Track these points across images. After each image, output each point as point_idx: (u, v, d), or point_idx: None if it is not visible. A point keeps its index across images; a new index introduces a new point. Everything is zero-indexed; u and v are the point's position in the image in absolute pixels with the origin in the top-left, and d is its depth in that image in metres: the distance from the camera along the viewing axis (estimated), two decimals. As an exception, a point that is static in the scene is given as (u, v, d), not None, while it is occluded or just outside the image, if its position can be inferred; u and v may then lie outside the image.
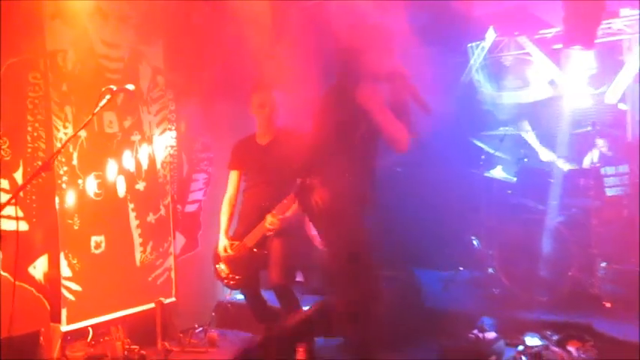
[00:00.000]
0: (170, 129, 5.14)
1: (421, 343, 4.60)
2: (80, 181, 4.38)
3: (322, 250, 5.64)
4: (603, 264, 4.88)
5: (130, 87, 3.49)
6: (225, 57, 5.09)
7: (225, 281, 4.45)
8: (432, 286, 5.19)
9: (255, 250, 4.30)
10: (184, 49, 5.00)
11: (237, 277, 4.37)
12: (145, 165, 4.89)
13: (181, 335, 4.87)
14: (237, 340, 4.88)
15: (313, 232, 5.68)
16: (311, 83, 5.19)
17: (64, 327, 4.18)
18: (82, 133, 4.34)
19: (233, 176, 4.61)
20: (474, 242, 5.84)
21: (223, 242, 4.45)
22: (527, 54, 6.07)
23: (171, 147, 5.16)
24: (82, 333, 4.37)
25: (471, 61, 6.32)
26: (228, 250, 4.39)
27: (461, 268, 5.85)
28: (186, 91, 5.16)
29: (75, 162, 4.34)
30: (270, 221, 4.17)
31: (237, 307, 5.37)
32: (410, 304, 4.97)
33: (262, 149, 4.44)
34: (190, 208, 5.43)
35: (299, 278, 6.06)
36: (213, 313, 5.35)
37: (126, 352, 4.32)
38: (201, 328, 5.04)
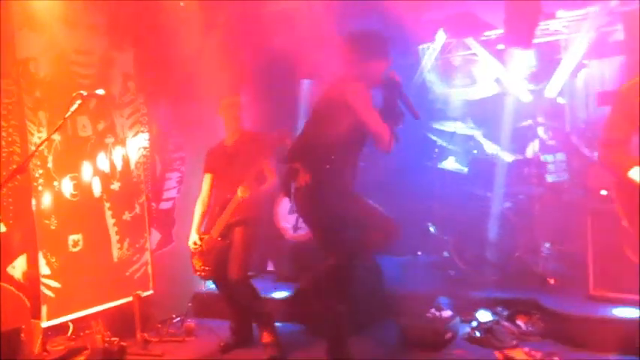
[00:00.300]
0: (142, 131, 5.02)
1: (382, 323, 4.62)
2: (56, 183, 4.24)
3: (291, 241, 5.64)
4: (547, 245, 4.95)
5: (100, 92, 3.38)
6: (194, 60, 4.98)
7: (198, 273, 4.37)
8: (392, 271, 5.18)
9: (219, 239, 4.22)
10: (154, 53, 4.88)
11: (207, 268, 4.29)
12: (119, 166, 4.77)
13: (159, 326, 4.79)
14: (214, 329, 4.79)
15: (283, 224, 5.67)
16: (274, 86, 5.16)
17: (45, 323, 4.05)
18: (57, 137, 4.20)
19: (206, 179, 4.52)
20: (431, 229, 5.86)
21: (192, 237, 4.36)
22: (474, 54, 6.10)
23: (144, 148, 5.04)
24: (62, 328, 4.25)
25: (423, 62, 6.32)
26: (198, 243, 4.30)
27: (419, 253, 5.88)
28: (157, 94, 5.04)
29: (50, 165, 4.20)
30: (241, 190, 4.05)
31: (213, 297, 5.26)
32: (371, 287, 4.97)
33: (228, 150, 4.36)
34: (165, 205, 5.32)
35: (270, 267, 6.02)
36: (190, 304, 5.25)
37: (106, 344, 4.20)
38: (178, 319, 4.97)
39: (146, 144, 5.05)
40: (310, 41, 4.88)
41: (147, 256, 5.00)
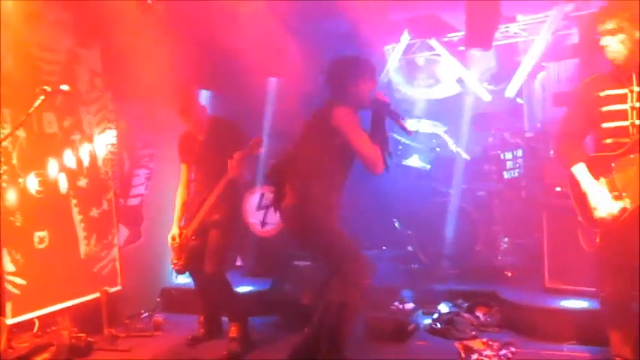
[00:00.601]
0: (110, 128, 4.93)
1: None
2: (21, 180, 4.13)
3: (259, 236, 5.63)
4: (505, 239, 5.06)
5: (65, 88, 3.31)
6: (162, 57, 4.91)
7: (172, 265, 4.34)
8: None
9: (193, 238, 4.18)
10: (121, 50, 4.78)
11: (179, 262, 4.25)
12: (86, 162, 4.67)
13: (127, 321, 4.72)
14: (182, 323, 4.75)
15: (251, 219, 5.65)
16: (241, 84, 5.13)
17: (10, 320, 3.94)
18: (21, 134, 4.09)
19: (182, 169, 4.44)
20: (396, 224, 5.93)
21: (174, 231, 4.30)
22: (437, 55, 6.18)
23: (112, 145, 4.95)
24: (28, 325, 4.13)
25: (388, 63, 6.37)
26: (176, 239, 4.26)
27: (384, 247, 5.94)
28: (125, 91, 4.95)
29: (15, 161, 4.08)
30: (230, 166, 4.01)
31: (182, 293, 5.25)
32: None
33: (200, 144, 4.28)
34: (133, 201, 5.24)
35: (238, 262, 6.00)
36: (159, 299, 5.19)
37: (72, 340, 4.12)
38: (147, 314, 4.90)
39: (114, 140, 4.96)
40: (276, 40, 4.87)
41: (115, 252, 4.91)
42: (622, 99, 2.95)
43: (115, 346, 4.32)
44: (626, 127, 2.94)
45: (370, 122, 3.30)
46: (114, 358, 4.15)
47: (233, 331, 4.15)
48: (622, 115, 2.95)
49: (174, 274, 5.18)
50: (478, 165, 5.36)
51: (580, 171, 3.07)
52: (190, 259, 4.21)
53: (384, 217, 5.91)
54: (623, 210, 2.91)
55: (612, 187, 3.01)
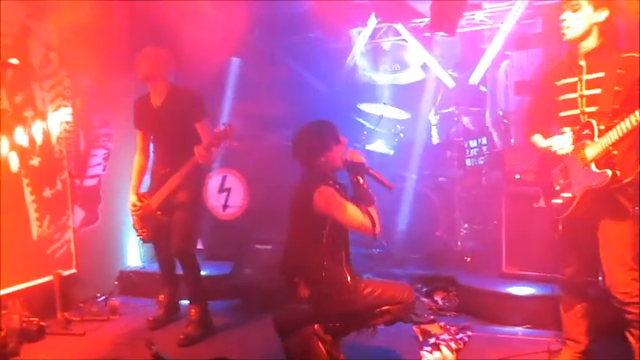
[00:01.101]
0: (65, 105, 4.74)
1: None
2: (-32, 158, 3.93)
3: (221, 219, 5.55)
4: (465, 225, 5.11)
5: (14, 61, 3.16)
6: (121, 32, 4.73)
7: (138, 235, 4.25)
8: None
9: (158, 213, 4.10)
10: (79, 25, 4.57)
11: (145, 232, 4.19)
12: (39, 141, 4.48)
13: (82, 305, 4.59)
14: (140, 307, 4.66)
15: (212, 202, 5.55)
16: (203, 62, 4.99)
17: (-44, 304, 3.78)
18: (-32, 109, 3.88)
19: (138, 136, 4.30)
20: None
21: (132, 198, 4.20)
22: (404, 40, 6.15)
23: (67, 123, 4.76)
24: (-24, 309, 3.97)
25: (354, 46, 6.31)
26: (137, 204, 4.15)
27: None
28: (83, 67, 4.75)
29: (-39, 138, 3.89)
30: (199, 153, 3.92)
31: (140, 276, 5.15)
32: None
33: (156, 111, 4.13)
34: (89, 182, 5.07)
35: (199, 246, 5.90)
36: (116, 282, 5.08)
37: (23, 325, 3.98)
38: (103, 297, 4.78)
39: (69, 118, 4.77)
40: (240, 20, 4.75)
41: (69, 234, 4.76)
42: (573, 88, 3.00)
43: (69, 330, 4.20)
44: (577, 116, 2.99)
45: (350, 183, 3.19)
46: (67, 342, 4.03)
47: (193, 314, 4.09)
48: (573, 103, 3.00)
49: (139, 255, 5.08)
50: (441, 151, 5.38)
51: (536, 137, 3.15)
52: (157, 232, 4.15)
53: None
54: (584, 191, 2.94)
55: (564, 175, 3.06)
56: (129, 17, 4.78)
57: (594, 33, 2.94)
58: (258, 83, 6.06)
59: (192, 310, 4.10)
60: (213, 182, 5.54)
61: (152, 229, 4.16)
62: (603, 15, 2.91)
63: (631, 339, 2.93)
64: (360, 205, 3.08)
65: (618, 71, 2.84)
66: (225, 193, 5.54)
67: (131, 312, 4.62)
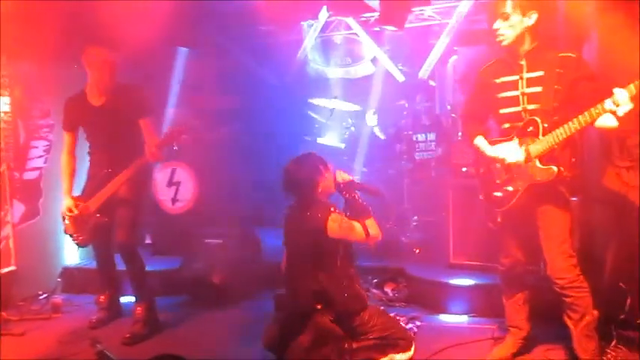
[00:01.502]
0: (3, 94, 4.52)
1: (259, 293, 4.62)
2: None
3: (169, 213, 5.44)
4: (414, 217, 5.19)
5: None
6: (64, 17, 4.52)
7: (73, 239, 4.06)
8: (271, 242, 5.16)
9: (97, 215, 3.95)
10: (18, 9, 4.35)
11: (82, 237, 4.01)
12: (-26, 132, 4.27)
13: (22, 303, 4.41)
14: (84, 305, 4.52)
15: (161, 196, 5.43)
16: (148, 51, 4.86)
17: None
18: None
19: (67, 136, 4.10)
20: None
21: (67, 202, 4.01)
22: (355, 34, 6.17)
23: (5, 113, 4.55)
24: None
25: (306, 39, 6.29)
26: (74, 210, 3.97)
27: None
28: (22, 54, 4.53)
29: None
30: (150, 152, 3.84)
31: (84, 273, 4.98)
32: (249, 259, 4.94)
33: (97, 110, 3.97)
34: (30, 175, 4.87)
35: (148, 240, 5.77)
36: (59, 279, 4.89)
37: (-43, 325, 3.79)
38: (45, 295, 4.61)
39: (7, 108, 4.56)
40: (189, 12, 4.65)
41: (8, 229, 4.56)
42: (514, 85, 3.08)
43: (8, 330, 4.03)
44: (518, 112, 3.07)
45: (345, 203, 3.36)
46: (6, 342, 3.86)
47: (139, 312, 3.98)
48: (515, 101, 3.08)
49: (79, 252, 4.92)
50: (390, 144, 5.44)
51: (481, 142, 3.22)
52: (95, 235, 4.00)
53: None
54: (528, 185, 3.04)
55: (507, 170, 3.14)
56: (70, 5, 4.58)
57: (527, 37, 3.02)
58: (207, 75, 5.96)
59: (138, 308, 3.99)
60: (162, 176, 5.42)
61: (89, 232, 3.98)
62: (533, 19, 2.99)
63: (568, 322, 3.07)
64: (360, 219, 3.24)
65: (557, 70, 2.94)
66: (174, 187, 5.44)
67: (74, 310, 4.48)
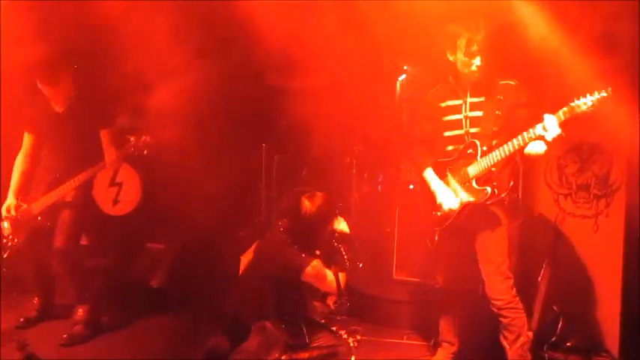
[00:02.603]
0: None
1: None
2: None
3: (109, 215, 5.24)
4: (359, 232, 5.22)
5: None
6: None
7: (5, 240, 3.89)
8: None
9: (39, 218, 3.84)
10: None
11: (17, 239, 3.88)
12: None
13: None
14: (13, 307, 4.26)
15: (100, 197, 5.23)
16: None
17: None
18: None
19: (27, 137, 4.00)
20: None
21: (9, 201, 3.88)
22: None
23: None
24: None
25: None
26: (12, 212, 3.84)
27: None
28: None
29: None
30: (64, 189, 3.78)
31: (13, 270, 4.63)
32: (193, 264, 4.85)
33: (58, 117, 3.89)
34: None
35: (83, 241, 5.54)
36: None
37: None
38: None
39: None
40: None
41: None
42: (458, 109, 3.22)
43: None
44: (462, 135, 3.21)
45: (324, 248, 3.30)
46: None
47: (80, 314, 3.90)
48: (458, 124, 3.21)
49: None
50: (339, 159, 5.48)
51: (429, 175, 3.31)
52: (33, 238, 3.89)
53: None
54: (462, 205, 3.15)
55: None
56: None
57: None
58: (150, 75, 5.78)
59: (80, 310, 3.90)
60: (102, 175, 5.22)
61: (25, 234, 3.87)
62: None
63: (504, 342, 3.17)
64: (334, 270, 3.24)
65: (498, 97, 3.10)
66: (116, 188, 5.26)
67: (2, 311, 4.21)
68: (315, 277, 3.20)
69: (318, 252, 3.23)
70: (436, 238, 3.30)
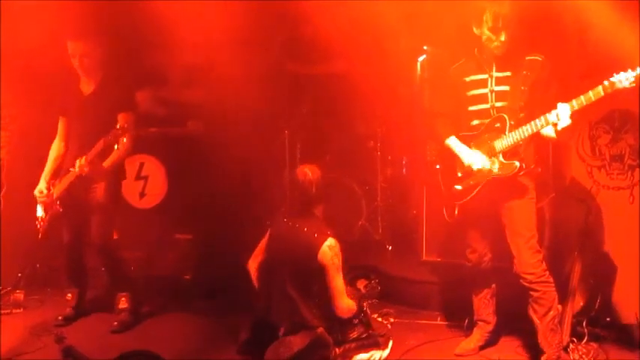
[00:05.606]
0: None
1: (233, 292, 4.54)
2: None
3: (137, 208, 5.28)
4: (386, 214, 5.17)
5: None
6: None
7: (37, 222, 3.99)
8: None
9: (57, 202, 3.87)
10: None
11: (42, 223, 3.96)
12: None
13: (-19, 299, 4.24)
14: (48, 301, 4.41)
15: (127, 190, 5.26)
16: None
17: None
18: None
19: (60, 123, 4.04)
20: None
21: (40, 185, 3.93)
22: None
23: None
24: None
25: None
26: (44, 192, 3.90)
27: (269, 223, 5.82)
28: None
29: None
30: (79, 165, 3.70)
31: (47, 267, 4.78)
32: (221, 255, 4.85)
33: (85, 99, 3.92)
34: (-10, 166, 4.66)
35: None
36: (20, 274, 4.69)
37: None
38: (6, 290, 4.42)
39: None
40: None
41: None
42: (484, 83, 3.17)
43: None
44: (487, 110, 3.17)
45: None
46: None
47: (123, 302, 4.03)
48: (484, 98, 3.17)
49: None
50: (363, 142, 5.41)
51: (452, 142, 3.26)
52: (53, 223, 3.95)
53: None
54: (491, 176, 3.10)
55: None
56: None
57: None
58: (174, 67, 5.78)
59: (123, 298, 4.02)
60: (128, 170, 5.24)
61: (48, 219, 3.95)
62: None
63: (534, 316, 3.14)
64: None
65: (524, 72, 3.05)
66: (142, 181, 5.29)
67: (37, 305, 4.35)
68: (332, 260, 3.15)
69: (329, 232, 3.19)
70: (456, 212, 3.26)
